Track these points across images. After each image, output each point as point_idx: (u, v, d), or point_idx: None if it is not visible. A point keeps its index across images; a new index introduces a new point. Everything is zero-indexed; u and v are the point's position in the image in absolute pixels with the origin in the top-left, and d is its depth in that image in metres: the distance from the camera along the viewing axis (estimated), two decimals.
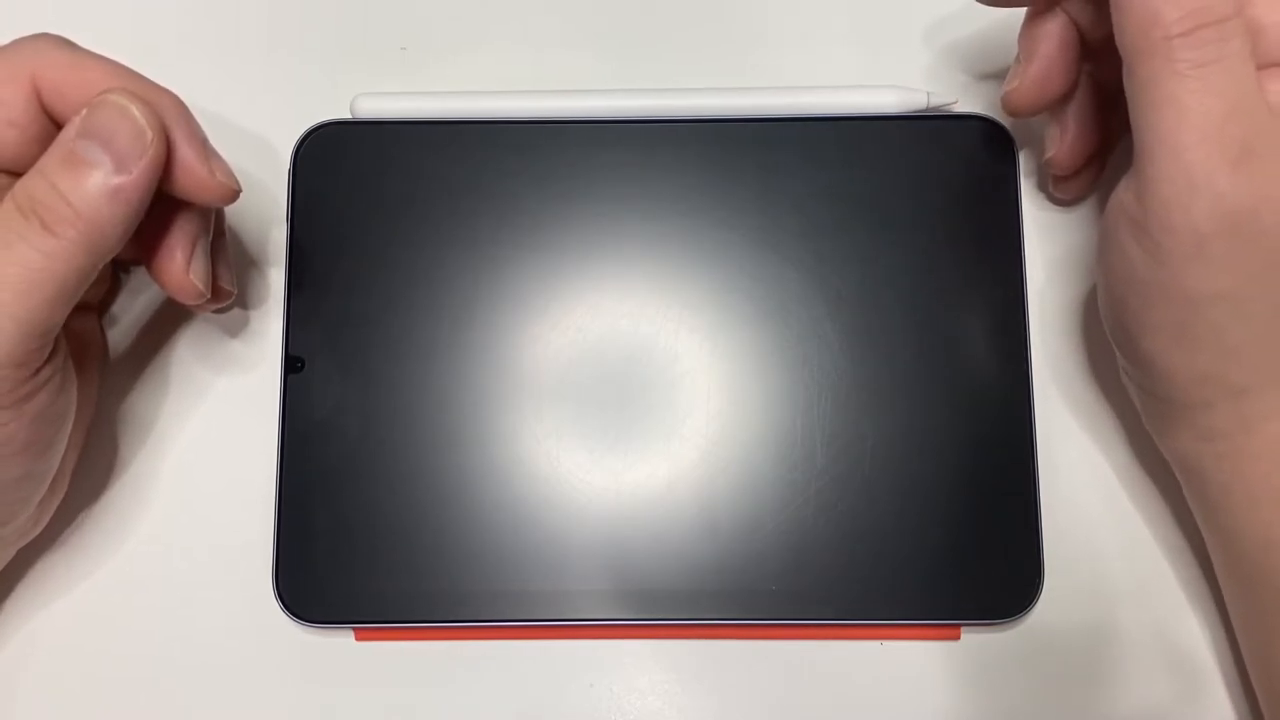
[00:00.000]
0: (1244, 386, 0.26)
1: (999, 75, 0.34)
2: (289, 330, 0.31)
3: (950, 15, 0.34)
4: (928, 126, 0.32)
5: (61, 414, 0.27)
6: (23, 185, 0.25)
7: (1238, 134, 0.24)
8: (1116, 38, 0.25)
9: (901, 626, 0.31)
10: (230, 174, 0.27)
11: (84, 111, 0.25)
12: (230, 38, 0.35)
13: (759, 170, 0.32)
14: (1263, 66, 0.25)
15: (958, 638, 0.31)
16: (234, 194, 0.27)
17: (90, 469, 0.32)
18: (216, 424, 0.32)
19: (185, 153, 0.26)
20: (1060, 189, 0.33)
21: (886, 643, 0.31)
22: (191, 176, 0.26)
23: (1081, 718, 0.31)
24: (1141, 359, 0.27)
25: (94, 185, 0.24)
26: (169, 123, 0.26)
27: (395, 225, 0.32)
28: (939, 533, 0.30)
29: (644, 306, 0.32)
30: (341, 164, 0.32)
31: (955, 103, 0.33)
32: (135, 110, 0.25)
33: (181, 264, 0.28)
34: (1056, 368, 0.32)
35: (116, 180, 0.24)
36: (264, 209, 0.33)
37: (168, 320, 0.33)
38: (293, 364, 0.31)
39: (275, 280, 0.32)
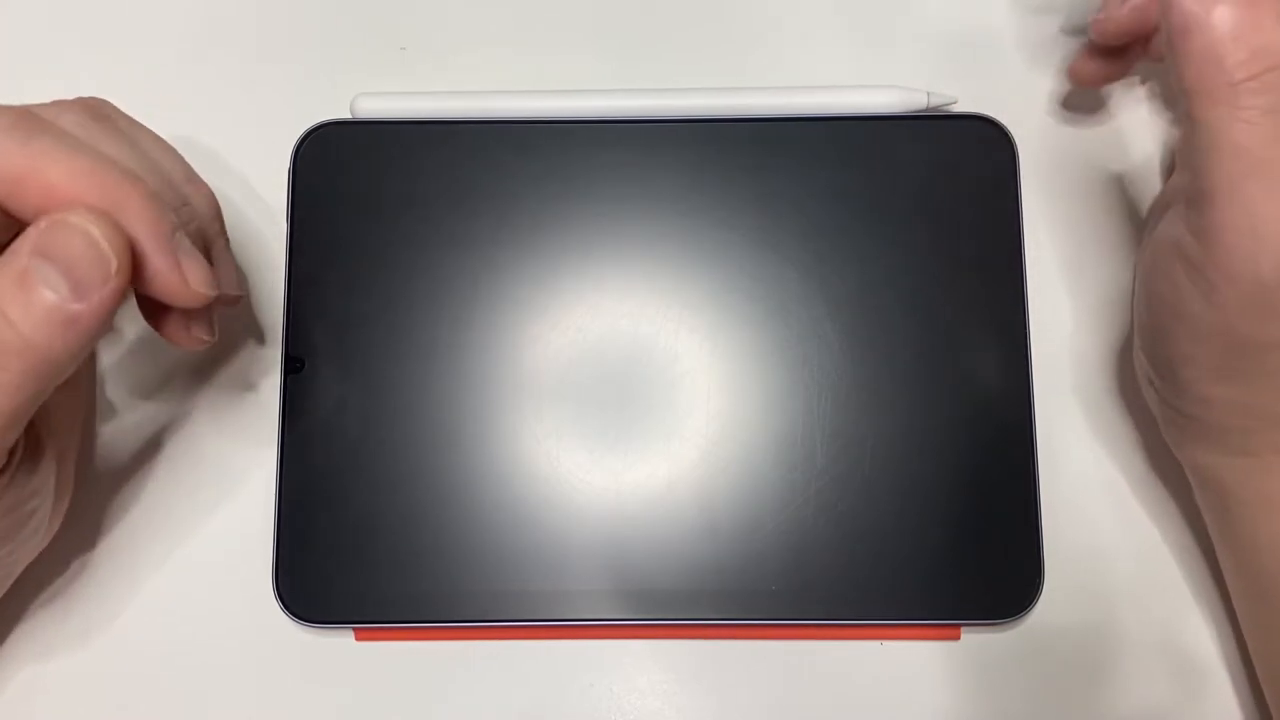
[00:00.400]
0: None
1: (999, 75, 0.34)
2: (289, 330, 0.31)
3: (950, 15, 0.34)
4: (928, 126, 0.32)
5: (32, 495, 0.26)
6: None
7: None
8: (1175, 79, 0.24)
9: (901, 626, 0.31)
10: (204, 277, 0.24)
11: (42, 225, 0.22)
12: (230, 38, 0.35)
13: (759, 170, 0.32)
14: None
15: (958, 638, 0.31)
16: (205, 299, 0.24)
17: (88, 469, 0.32)
18: (216, 424, 0.32)
19: (156, 261, 0.23)
20: (1083, 68, 0.32)
21: (886, 643, 0.31)
22: (163, 282, 0.24)
23: (1081, 718, 0.31)
24: (1178, 384, 0.27)
25: (46, 312, 0.21)
26: (136, 228, 0.23)
27: (395, 225, 0.32)
28: (939, 533, 0.30)
29: (644, 306, 0.32)
30: (341, 164, 0.32)
31: (955, 103, 0.33)
32: (98, 233, 0.22)
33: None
34: (1056, 368, 0.32)
35: (73, 309, 0.22)
36: (264, 209, 0.33)
37: None
38: (293, 364, 0.31)
39: (275, 280, 0.32)
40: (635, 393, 0.31)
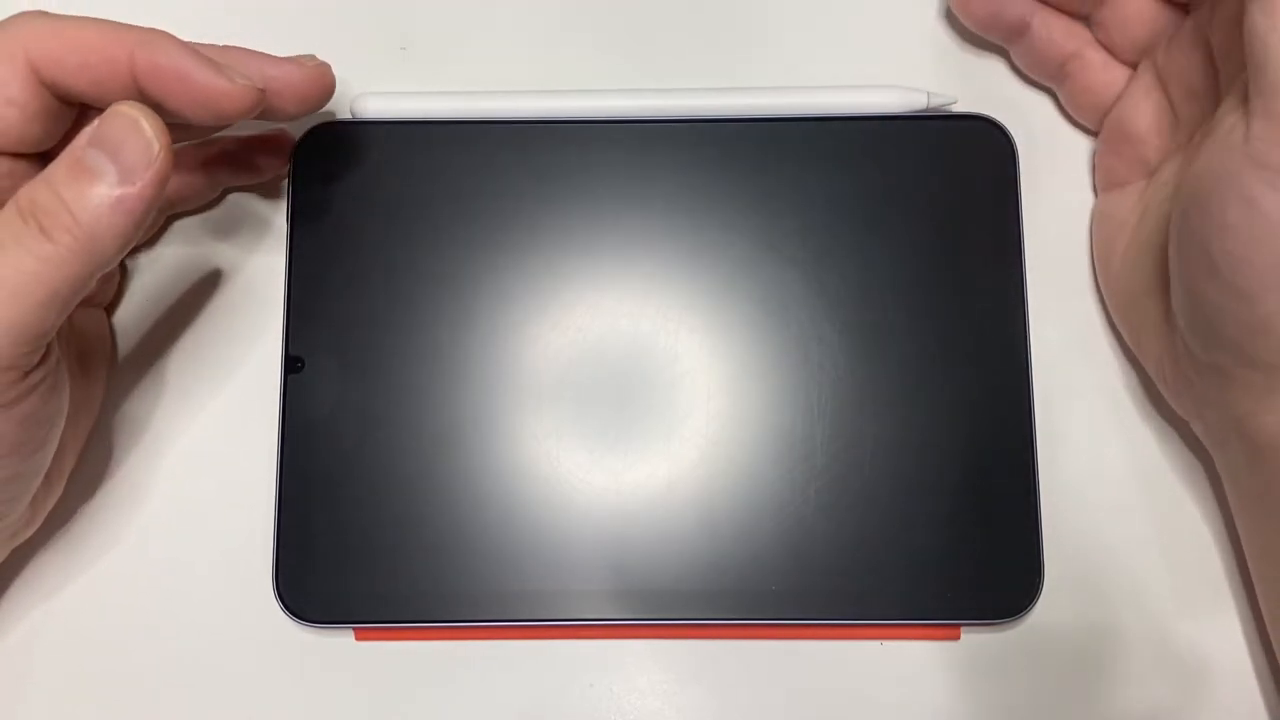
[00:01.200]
0: None
1: (999, 75, 0.34)
2: (289, 330, 0.31)
3: (950, 15, 0.34)
4: (927, 126, 0.32)
5: (52, 416, 0.27)
6: (26, 190, 0.24)
7: None
8: None
9: (901, 626, 0.31)
10: (248, 81, 0.27)
11: (96, 121, 0.24)
12: (230, 38, 0.35)
13: (759, 170, 0.32)
14: None
15: (958, 638, 0.31)
16: (260, 93, 0.27)
17: (88, 468, 0.32)
18: (216, 424, 0.32)
19: (196, 71, 0.26)
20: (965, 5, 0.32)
21: (886, 643, 0.31)
22: (213, 90, 0.26)
23: (1081, 718, 0.31)
24: (1258, 324, 0.26)
25: (97, 194, 0.24)
26: (169, 53, 0.26)
27: (395, 225, 0.32)
28: (939, 533, 0.30)
29: (644, 306, 0.32)
30: (341, 164, 0.32)
31: (955, 103, 0.33)
32: (145, 123, 0.24)
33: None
34: (1056, 367, 0.32)
35: (119, 191, 0.24)
36: (264, 209, 0.33)
37: (167, 319, 0.33)
38: (293, 364, 0.31)
39: (275, 280, 0.32)
40: (635, 393, 0.31)
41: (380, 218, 0.32)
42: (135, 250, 0.33)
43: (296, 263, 0.32)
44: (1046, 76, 0.33)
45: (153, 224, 0.32)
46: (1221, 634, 0.31)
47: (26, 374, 0.25)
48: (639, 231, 0.32)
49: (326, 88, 0.29)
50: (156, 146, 0.24)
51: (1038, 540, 0.30)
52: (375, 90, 0.33)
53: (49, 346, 0.26)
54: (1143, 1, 0.30)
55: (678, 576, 0.30)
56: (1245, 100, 0.25)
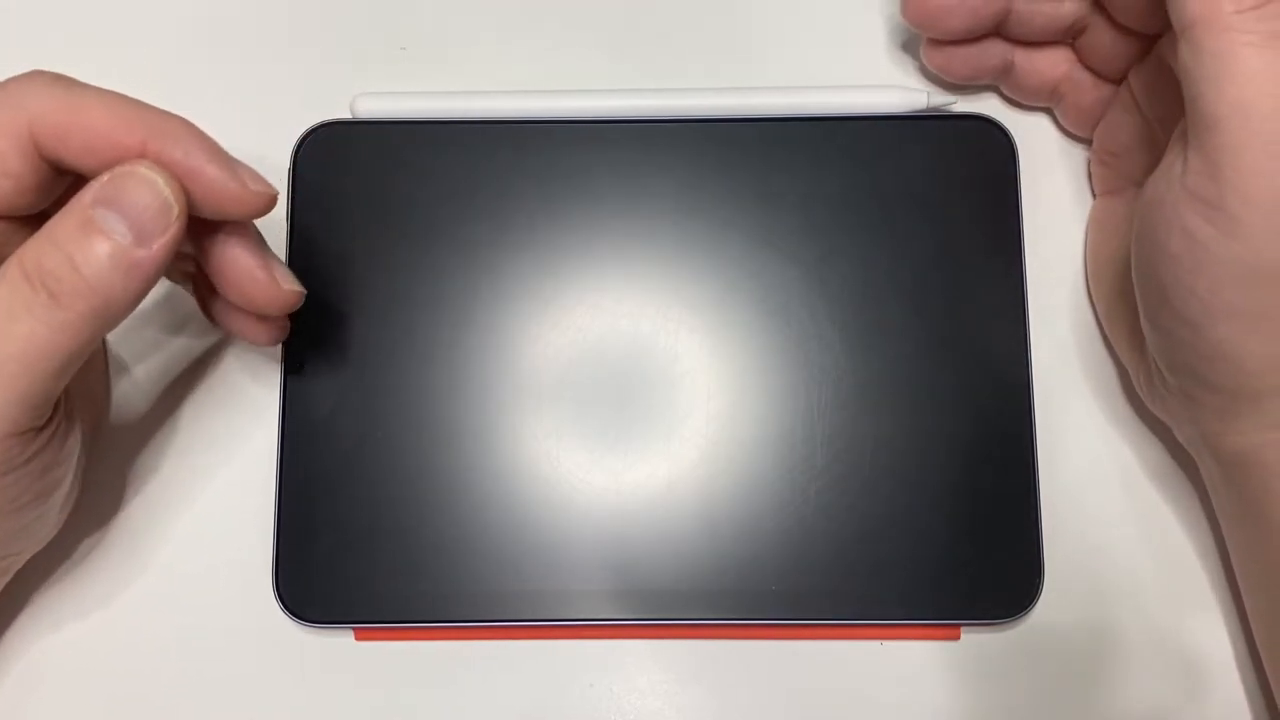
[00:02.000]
0: None
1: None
2: (289, 330, 0.31)
3: None
4: (928, 126, 0.32)
5: (66, 458, 0.27)
6: (32, 253, 0.23)
7: None
8: (1173, 14, 0.24)
9: (901, 626, 0.31)
10: (262, 179, 0.26)
11: (104, 178, 0.24)
12: (230, 37, 0.35)
13: (759, 170, 0.32)
14: None
15: (958, 638, 0.31)
16: (272, 199, 0.26)
17: (88, 468, 0.32)
18: (216, 424, 0.32)
19: (212, 171, 0.25)
20: (932, 57, 0.32)
21: (886, 643, 0.31)
22: (225, 194, 0.25)
23: (1081, 718, 0.31)
24: (1209, 350, 0.26)
25: (109, 257, 0.23)
26: (186, 147, 0.25)
27: (395, 225, 0.32)
28: (939, 533, 0.30)
29: (644, 306, 0.32)
30: (341, 164, 0.32)
31: (955, 103, 0.33)
32: (162, 183, 0.24)
33: (266, 276, 0.27)
34: (1056, 368, 0.32)
35: (136, 254, 0.23)
36: None
37: (166, 319, 0.33)
38: (293, 364, 0.31)
39: None
40: (635, 393, 0.31)
41: (380, 217, 0.32)
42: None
43: (296, 262, 0.32)
44: (1040, 102, 0.33)
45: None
46: (1221, 634, 0.31)
47: (40, 430, 0.25)
48: (639, 231, 0.32)
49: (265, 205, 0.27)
50: (175, 208, 0.24)
51: (1038, 540, 0.30)
52: (375, 90, 0.33)
53: (57, 402, 0.25)
54: (1114, 32, 0.30)
55: (678, 576, 0.30)
56: (1185, 133, 0.25)
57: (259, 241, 0.27)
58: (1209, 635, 0.31)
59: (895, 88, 0.33)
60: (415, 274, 0.32)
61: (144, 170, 0.24)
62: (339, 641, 0.31)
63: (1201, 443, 0.29)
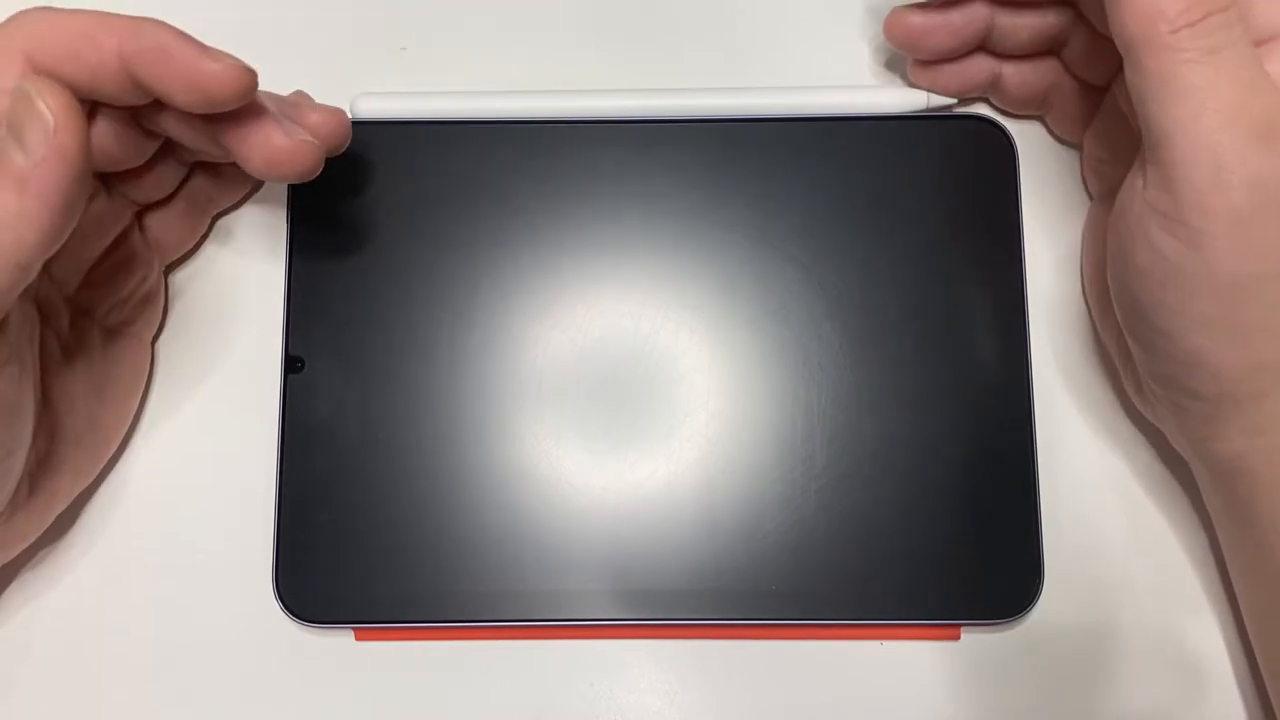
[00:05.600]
0: None
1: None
2: (289, 330, 0.31)
3: None
4: (927, 126, 0.32)
5: (12, 408, 0.26)
6: None
7: (1258, 111, 0.24)
8: (1115, 35, 0.25)
9: (901, 626, 0.31)
10: (238, 61, 0.25)
11: None
12: (229, 39, 0.35)
13: (759, 170, 0.32)
14: (1257, 44, 0.25)
15: (958, 638, 0.31)
16: (251, 76, 0.25)
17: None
18: (216, 424, 0.32)
19: (181, 53, 0.24)
20: (924, 72, 0.32)
21: (886, 643, 0.31)
22: (201, 75, 0.24)
23: (1081, 718, 0.31)
24: (1185, 359, 0.26)
25: (5, 176, 0.23)
26: (152, 38, 0.24)
27: (395, 225, 0.32)
28: (939, 532, 0.30)
29: (644, 306, 0.32)
30: (341, 164, 0.32)
31: (955, 103, 0.33)
32: (36, 98, 0.23)
33: (271, 132, 0.26)
34: (1057, 368, 0.32)
35: (22, 169, 0.23)
36: (264, 209, 0.33)
37: (167, 319, 0.33)
38: (293, 364, 0.31)
39: (275, 280, 0.32)
40: (635, 393, 0.31)
41: (380, 218, 0.32)
42: (173, 266, 0.33)
43: (296, 263, 0.32)
44: (1030, 111, 0.33)
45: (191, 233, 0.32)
46: (1221, 634, 0.31)
47: None
48: (639, 231, 0.32)
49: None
50: (51, 120, 0.23)
51: (1038, 540, 0.30)
52: (375, 90, 0.33)
53: (3, 331, 0.25)
54: (1097, 41, 0.30)
55: (678, 576, 0.30)
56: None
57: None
58: (1208, 635, 0.31)
59: (895, 88, 0.33)
60: (415, 274, 0.32)
61: (24, 86, 0.24)
62: (339, 641, 0.31)
63: (1189, 448, 0.29)
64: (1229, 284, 0.25)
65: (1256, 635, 0.29)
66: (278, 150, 0.26)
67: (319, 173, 0.27)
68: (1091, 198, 0.33)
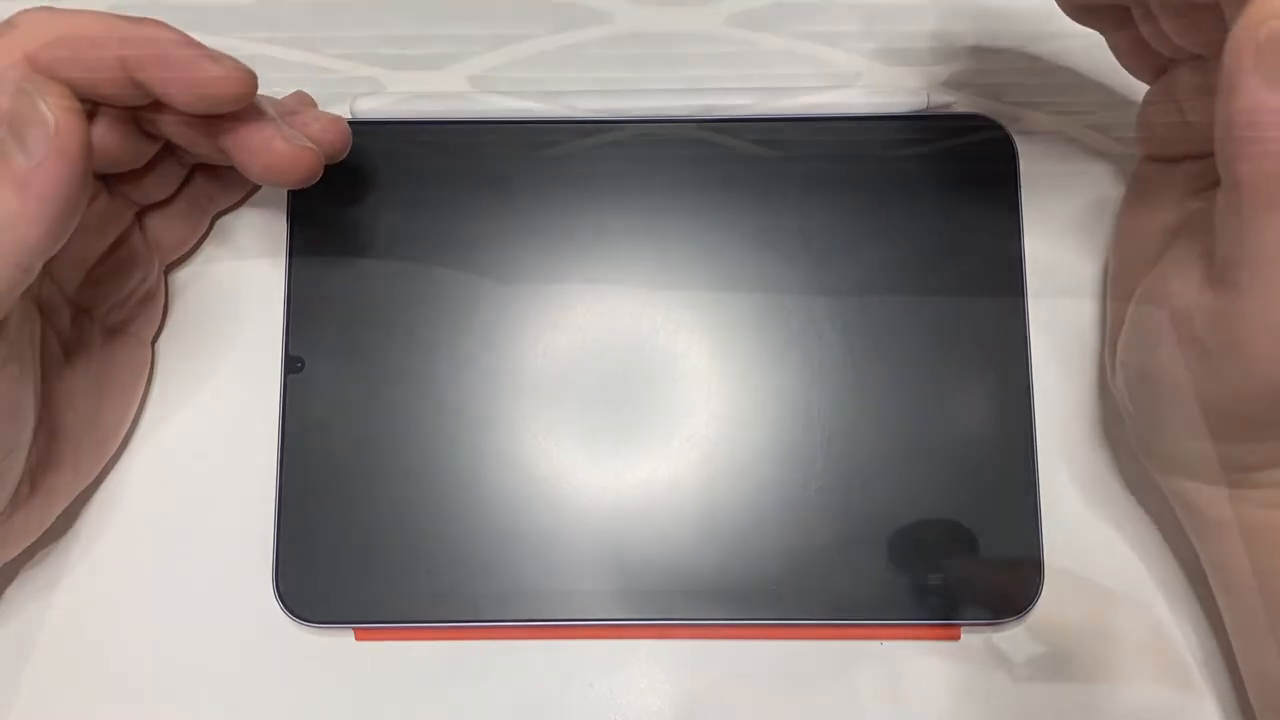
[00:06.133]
0: None
1: (999, 75, 0.34)
2: (289, 330, 0.31)
3: (951, 15, 0.34)
4: (928, 126, 0.32)
5: (12, 407, 0.26)
6: None
7: None
8: (1220, 164, 0.23)
9: (901, 626, 0.31)
10: (238, 63, 0.25)
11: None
12: (230, 38, 0.35)
13: (759, 170, 0.32)
14: None
15: (958, 638, 0.31)
16: (251, 79, 0.25)
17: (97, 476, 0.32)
18: (216, 424, 0.32)
19: (180, 54, 0.24)
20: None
21: (886, 643, 0.31)
22: (198, 74, 0.24)
23: (1081, 718, 0.31)
24: (1167, 431, 0.26)
25: (6, 177, 0.23)
26: (152, 41, 0.24)
27: (395, 225, 0.32)
28: (939, 533, 0.30)
29: (644, 306, 0.32)
30: (341, 164, 0.32)
31: (955, 103, 0.33)
32: (37, 98, 0.23)
33: (271, 137, 0.26)
34: (1057, 367, 0.32)
35: (23, 170, 0.23)
36: (264, 209, 0.33)
37: (167, 319, 0.33)
38: (293, 364, 0.31)
39: (275, 280, 0.32)
40: (635, 393, 0.31)
41: (380, 218, 0.32)
42: (173, 266, 0.33)
43: (296, 263, 0.32)
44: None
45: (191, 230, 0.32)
46: (1220, 634, 0.31)
47: None
48: (639, 231, 0.32)
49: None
50: (52, 122, 0.23)
51: (1038, 540, 0.30)
52: (374, 90, 0.33)
53: (4, 330, 0.25)
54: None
55: (678, 576, 0.30)
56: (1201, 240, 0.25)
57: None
58: (1209, 636, 0.31)
59: (895, 88, 0.33)
60: (415, 274, 0.32)
61: (24, 85, 0.23)
62: (339, 641, 0.31)
63: (1169, 493, 0.29)
64: (1239, 417, 0.24)
65: (1235, 633, 0.29)
66: (277, 155, 0.26)
67: (318, 179, 0.27)
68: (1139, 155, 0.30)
